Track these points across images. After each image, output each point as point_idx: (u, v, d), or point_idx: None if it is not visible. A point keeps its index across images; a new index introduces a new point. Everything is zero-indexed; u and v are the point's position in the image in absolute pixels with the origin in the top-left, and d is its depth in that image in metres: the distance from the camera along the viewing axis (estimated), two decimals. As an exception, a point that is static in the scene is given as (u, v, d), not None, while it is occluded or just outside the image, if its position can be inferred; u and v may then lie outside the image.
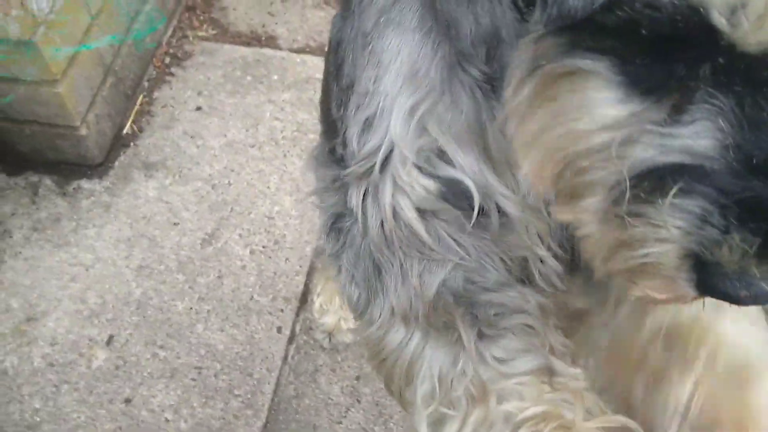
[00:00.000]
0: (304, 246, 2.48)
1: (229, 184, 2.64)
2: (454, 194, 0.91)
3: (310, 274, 2.41)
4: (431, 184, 0.90)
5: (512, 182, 0.90)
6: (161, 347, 2.28)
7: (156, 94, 2.91)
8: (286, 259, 2.45)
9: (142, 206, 2.59)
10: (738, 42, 0.56)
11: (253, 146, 2.74)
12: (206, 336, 2.30)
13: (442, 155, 0.90)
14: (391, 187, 0.92)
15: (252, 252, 2.47)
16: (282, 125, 2.79)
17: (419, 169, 0.90)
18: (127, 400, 2.17)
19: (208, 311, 2.35)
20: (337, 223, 1.05)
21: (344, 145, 0.98)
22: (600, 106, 0.63)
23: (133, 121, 2.81)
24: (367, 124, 0.92)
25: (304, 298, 2.37)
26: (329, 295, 2.20)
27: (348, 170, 0.97)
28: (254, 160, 2.71)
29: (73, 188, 2.63)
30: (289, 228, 2.53)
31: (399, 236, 0.94)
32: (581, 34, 0.62)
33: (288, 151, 2.71)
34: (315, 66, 2.96)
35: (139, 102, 2.86)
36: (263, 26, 3.13)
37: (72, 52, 2.35)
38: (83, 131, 2.54)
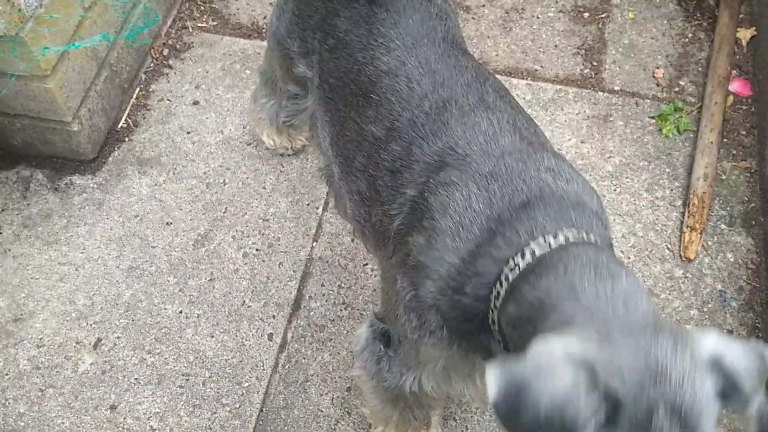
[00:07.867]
0: (299, 250, 2.42)
1: (224, 183, 2.58)
2: None
3: (303, 280, 2.35)
4: None
5: None
6: (149, 352, 2.23)
7: (153, 87, 2.84)
8: (280, 263, 2.39)
9: (134, 204, 2.53)
10: None
11: (249, 144, 2.68)
12: (195, 341, 2.25)
13: None
14: None
15: (245, 255, 2.41)
16: (280, 123, 2.71)
17: None
18: (113, 407, 2.13)
19: (198, 316, 2.29)
20: None
21: None
22: None
23: (129, 115, 2.74)
24: None
25: (297, 305, 2.31)
26: None
27: None
28: (251, 158, 2.64)
29: (65, 183, 2.57)
30: (284, 231, 2.46)
31: None
32: None
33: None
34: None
35: (135, 95, 2.79)
36: (264, 18, 3.04)
37: (61, 51, 2.28)
38: (75, 127, 2.47)
